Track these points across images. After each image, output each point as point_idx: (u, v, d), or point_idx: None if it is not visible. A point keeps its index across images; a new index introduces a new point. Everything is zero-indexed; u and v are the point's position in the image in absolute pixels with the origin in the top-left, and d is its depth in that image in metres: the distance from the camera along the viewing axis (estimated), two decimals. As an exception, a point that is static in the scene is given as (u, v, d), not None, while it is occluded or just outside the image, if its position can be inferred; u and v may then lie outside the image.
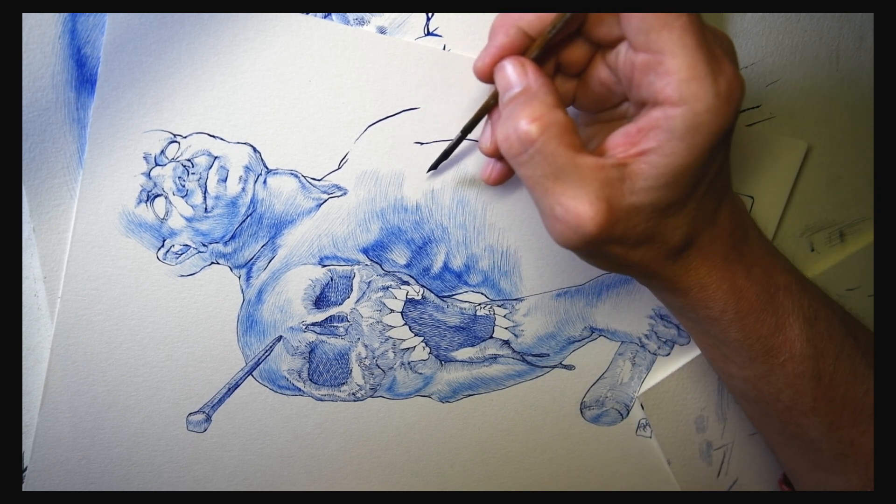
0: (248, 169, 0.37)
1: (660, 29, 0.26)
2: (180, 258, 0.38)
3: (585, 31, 0.31)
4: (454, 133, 0.35)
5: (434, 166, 0.38)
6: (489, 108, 0.32)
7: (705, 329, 0.36)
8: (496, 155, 0.34)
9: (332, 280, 0.39)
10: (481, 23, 0.37)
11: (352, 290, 0.40)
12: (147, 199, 0.36)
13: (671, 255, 0.31)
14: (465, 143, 0.37)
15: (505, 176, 0.35)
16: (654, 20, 0.26)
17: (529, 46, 0.30)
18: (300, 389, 0.41)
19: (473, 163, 0.39)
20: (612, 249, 0.30)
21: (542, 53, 0.30)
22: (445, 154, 0.37)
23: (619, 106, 0.33)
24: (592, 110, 0.34)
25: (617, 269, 0.34)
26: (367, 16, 0.36)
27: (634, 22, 0.27)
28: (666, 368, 0.45)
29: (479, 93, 0.37)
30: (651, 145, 0.28)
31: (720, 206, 0.32)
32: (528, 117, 0.28)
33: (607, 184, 0.28)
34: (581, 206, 0.28)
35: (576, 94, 0.34)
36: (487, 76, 0.31)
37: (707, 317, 0.34)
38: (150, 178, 0.36)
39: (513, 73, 0.29)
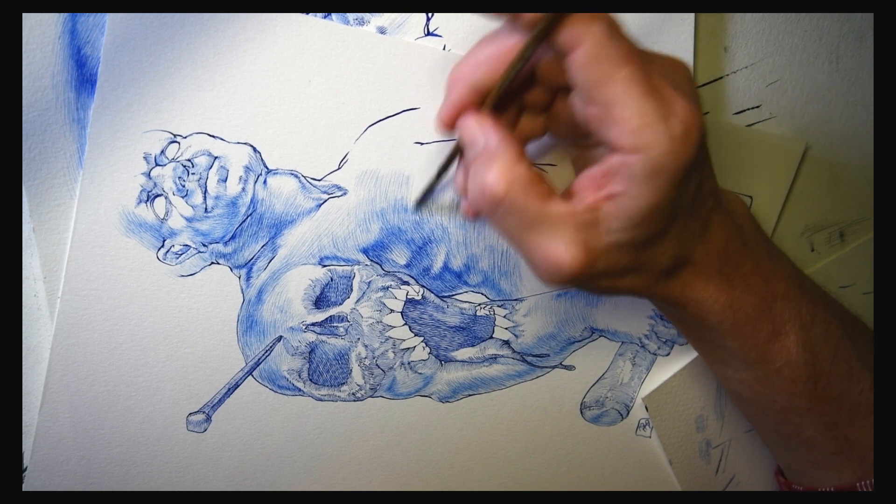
0: (248, 169, 0.37)
1: (603, 83, 0.26)
2: (180, 258, 0.38)
3: (538, 78, 0.31)
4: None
5: (419, 203, 0.38)
6: (459, 151, 0.33)
7: (702, 336, 0.36)
8: None
9: (332, 280, 0.39)
10: (481, 23, 0.37)
11: (352, 290, 0.40)
12: (147, 199, 0.36)
13: (663, 276, 0.32)
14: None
15: None
16: (597, 76, 0.26)
17: (485, 98, 0.30)
18: (300, 389, 0.41)
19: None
20: (600, 283, 0.30)
21: (500, 102, 0.30)
22: (428, 190, 0.37)
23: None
24: (569, 139, 0.35)
25: (613, 294, 0.34)
26: (367, 16, 0.36)
27: (578, 78, 0.27)
28: (666, 368, 0.45)
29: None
30: (617, 189, 0.28)
31: (709, 222, 0.32)
32: (492, 176, 0.28)
33: (581, 228, 0.28)
34: (558, 252, 0.28)
35: (547, 127, 0.34)
36: (450, 130, 0.31)
37: (703, 327, 0.34)
38: (150, 178, 0.36)
39: (472, 131, 0.30)
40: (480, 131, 0.29)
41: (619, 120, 0.26)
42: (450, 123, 0.31)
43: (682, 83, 0.29)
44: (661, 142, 0.26)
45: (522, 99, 0.33)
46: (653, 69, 0.27)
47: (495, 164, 0.28)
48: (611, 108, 0.27)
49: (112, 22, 0.34)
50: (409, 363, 0.42)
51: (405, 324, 0.41)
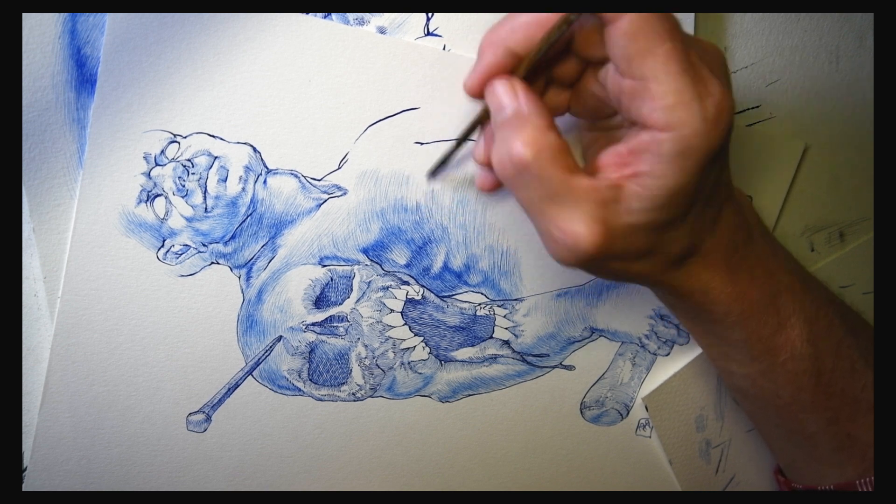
0: (248, 169, 0.37)
1: (643, 55, 0.26)
2: (180, 258, 0.38)
3: (575, 48, 0.31)
4: (454, 133, 0.35)
5: (433, 172, 0.38)
6: (482, 119, 0.32)
7: (707, 329, 0.36)
8: (489, 164, 0.34)
9: (332, 280, 0.39)
10: (481, 23, 0.37)
11: (352, 290, 0.40)
12: (147, 199, 0.36)
13: (673, 265, 0.31)
14: (466, 144, 0.37)
15: (499, 184, 0.35)
16: (637, 47, 0.26)
17: (518, 64, 0.30)
18: (300, 389, 0.41)
19: (473, 163, 0.39)
20: (612, 265, 0.30)
21: (532, 71, 0.30)
22: (444, 160, 0.37)
23: (615, 116, 0.33)
24: (589, 119, 0.34)
25: (620, 280, 0.33)
26: (367, 16, 0.36)
27: (618, 48, 0.27)
28: (666, 368, 0.45)
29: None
30: (643, 168, 0.27)
31: (720, 213, 0.32)
32: (521, 142, 0.28)
33: (602, 204, 0.28)
34: (577, 227, 0.28)
35: (570, 104, 0.34)
36: (478, 95, 0.31)
37: (709, 319, 0.34)
38: (150, 178, 0.36)
39: (503, 95, 0.29)
40: (513, 95, 0.29)
41: (655, 95, 0.26)
42: (479, 87, 0.30)
43: (718, 67, 0.29)
44: (694, 122, 0.26)
45: (552, 71, 0.32)
46: (692, 49, 0.27)
47: (525, 129, 0.28)
48: (647, 82, 0.26)
49: (112, 22, 0.34)
50: (409, 363, 0.42)
51: (405, 324, 0.41)
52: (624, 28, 0.26)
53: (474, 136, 0.34)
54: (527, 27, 0.29)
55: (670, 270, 0.32)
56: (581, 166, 0.29)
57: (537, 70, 0.31)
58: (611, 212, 0.28)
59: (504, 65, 0.30)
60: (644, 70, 0.26)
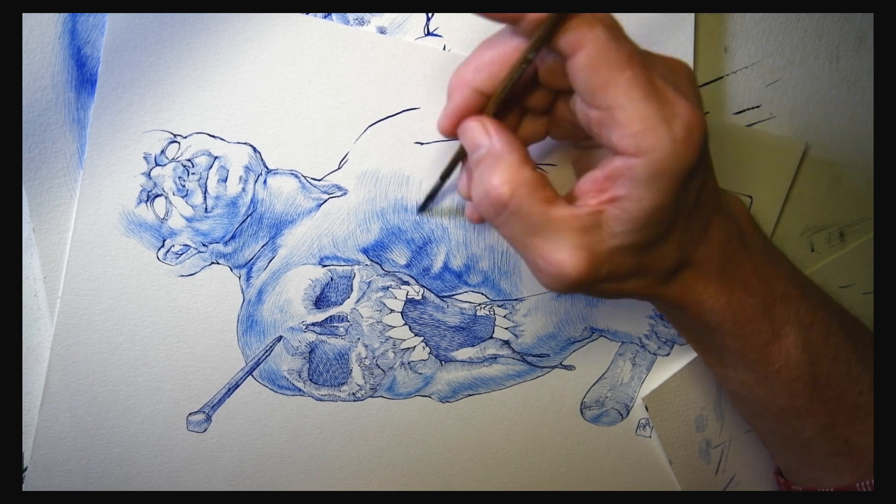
0: (248, 169, 0.37)
1: (605, 86, 0.26)
2: (180, 258, 0.38)
3: (541, 80, 0.31)
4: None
5: (422, 207, 0.38)
6: (462, 155, 0.33)
7: (702, 338, 0.36)
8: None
9: (332, 280, 0.39)
10: (481, 23, 0.37)
11: (352, 290, 0.40)
12: (147, 199, 0.36)
13: (665, 278, 0.32)
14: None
15: None
16: (598, 79, 0.26)
17: (487, 102, 0.30)
18: (300, 389, 0.41)
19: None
20: (604, 287, 0.30)
21: (502, 106, 0.30)
22: (432, 194, 0.37)
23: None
24: (570, 141, 0.35)
25: (617, 298, 0.33)
26: (367, 16, 0.36)
27: (580, 82, 0.27)
28: (666, 368, 0.45)
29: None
30: (619, 192, 0.28)
31: (710, 223, 0.32)
32: (497, 181, 0.28)
33: (584, 231, 0.28)
34: (562, 257, 0.28)
35: (548, 130, 0.34)
36: (451, 135, 0.31)
37: (704, 328, 0.34)
38: (150, 178, 0.36)
39: (476, 135, 0.30)
40: (484, 134, 0.29)
41: (621, 123, 0.26)
42: (452, 128, 0.31)
43: (684, 85, 0.29)
44: (663, 145, 0.26)
45: (524, 102, 0.32)
46: (654, 72, 0.27)
47: (500, 167, 0.28)
48: (612, 112, 0.27)
49: (112, 22, 0.34)
50: (409, 363, 0.42)
51: (405, 324, 0.41)
52: (583, 62, 0.26)
53: (456, 171, 0.35)
54: (490, 66, 0.29)
55: (663, 284, 0.32)
56: (563, 194, 0.29)
57: (509, 104, 0.31)
58: (593, 238, 0.28)
59: (473, 104, 0.30)
60: (608, 100, 0.26)
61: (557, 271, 0.28)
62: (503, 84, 0.29)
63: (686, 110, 0.27)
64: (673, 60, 0.30)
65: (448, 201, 0.39)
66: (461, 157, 0.33)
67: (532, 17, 0.27)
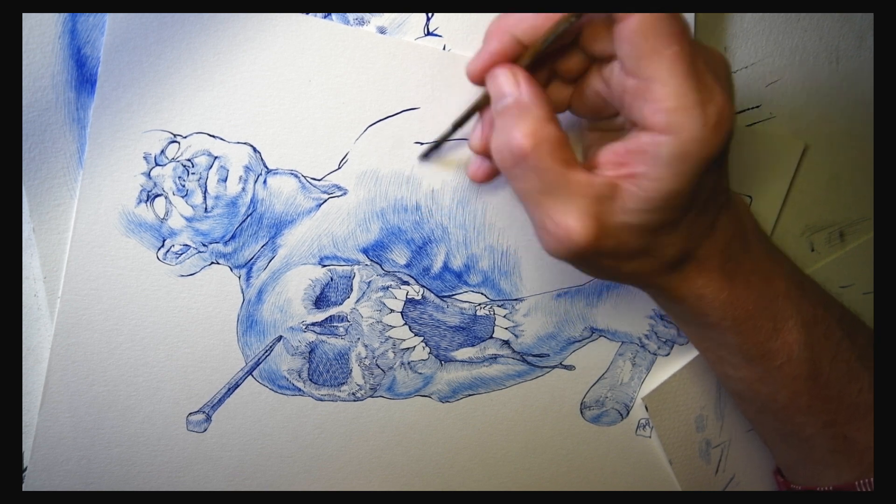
0: (248, 169, 0.37)
1: (650, 55, 0.26)
2: (180, 258, 0.38)
3: (581, 43, 0.30)
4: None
5: (425, 155, 0.38)
6: (481, 106, 0.32)
7: (702, 333, 0.36)
8: (484, 153, 0.33)
9: (332, 280, 0.39)
10: (481, 23, 0.37)
11: (352, 290, 0.40)
12: (147, 199, 0.36)
13: (667, 268, 0.31)
14: (465, 145, 0.37)
15: (491, 175, 0.35)
16: (646, 46, 0.26)
17: (523, 54, 0.29)
18: (300, 389, 0.41)
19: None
20: (603, 262, 0.30)
21: (536, 61, 0.30)
22: (438, 143, 0.36)
23: (617, 117, 0.33)
24: (589, 117, 0.34)
25: (611, 279, 0.33)
26: (367, 16, 0.36)
27: (626, 46, 0.27)
28: (666, 368, 0.45)
29: (478, 93, 0.37)
30: (640, 169, 0.27)
31: (717, 220, 0.32)
32: (520, 132, 0.28)
33: (597, 200, 0.28)
34: (570, 221, 0.28)
35: (571, 101, 0.34)
36: (479, 80, 0.31)
37: (704, 323, 0.34)
38: (150, 178, 0.36)
39: (505, 83, 0.29)
40: (514, 83, 0.29)
41: (657, 97, 0.26)
42: (481, 73, 0.30)
43: (722, 76, 0.29)
44: (694, 128, 0.26)
45: (556, 65, 0.32)
46: (699, 55, 0.27)
47: (526, 119, 0.28)
48: (651, 83, 0.26)
49: (112, 22, 0.34)
50: (409, 363, 0.42)
51: (405, 324, 0.41)
52: (634, 26, 0.26)
53: (470, 123, 0.34)
54: (535, 17, 0.29)
55: (663, 274, 0.32)
56: (580, 161, 0.29)
57: (541, 62, 0.31)
58: (605, 209, 0.28)
59: (508, 53, 0.29)
60: (650, 70, 0.26)
61: (564, 234, 0.28)
62: (545, 35, 0.28)
63: (721, 99, 0.27)
64: (715, 52, 0.30)
65: (449, 198, 0.39)
66: (480, 106, 0.32)
67: None
